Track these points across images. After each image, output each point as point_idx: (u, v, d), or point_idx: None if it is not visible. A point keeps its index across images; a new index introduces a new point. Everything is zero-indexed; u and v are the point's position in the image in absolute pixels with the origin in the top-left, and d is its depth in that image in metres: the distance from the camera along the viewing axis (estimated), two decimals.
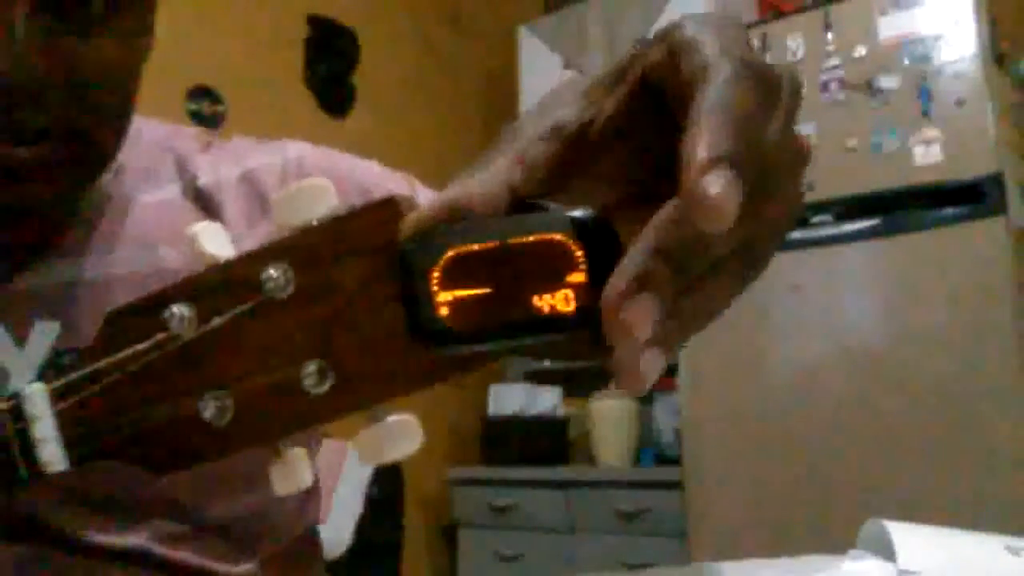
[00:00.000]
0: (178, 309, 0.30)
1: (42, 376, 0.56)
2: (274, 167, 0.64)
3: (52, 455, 0.32)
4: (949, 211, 1.99)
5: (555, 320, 0.26)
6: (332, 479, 2.00)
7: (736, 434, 2.19)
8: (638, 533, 2.44)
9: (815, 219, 2.15)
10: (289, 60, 2.81)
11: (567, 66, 3.01)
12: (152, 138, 0.65)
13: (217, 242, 0.30)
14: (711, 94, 0.25)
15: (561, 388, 2.89)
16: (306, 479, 0.30)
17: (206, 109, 2.53)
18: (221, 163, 0.64)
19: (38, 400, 0.32)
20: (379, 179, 0.68)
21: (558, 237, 0.26)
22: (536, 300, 0.26)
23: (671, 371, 2.37)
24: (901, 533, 0.41)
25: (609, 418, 2.68)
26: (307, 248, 0.28)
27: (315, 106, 2.86)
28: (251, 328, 0.29)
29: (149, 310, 0.30)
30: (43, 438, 0.32)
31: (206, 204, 0.62)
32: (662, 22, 2.88)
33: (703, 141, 0.24)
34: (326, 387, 0.28)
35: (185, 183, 0.63)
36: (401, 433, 0.29)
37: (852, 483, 1.98)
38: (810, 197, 2.16)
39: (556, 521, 2.60)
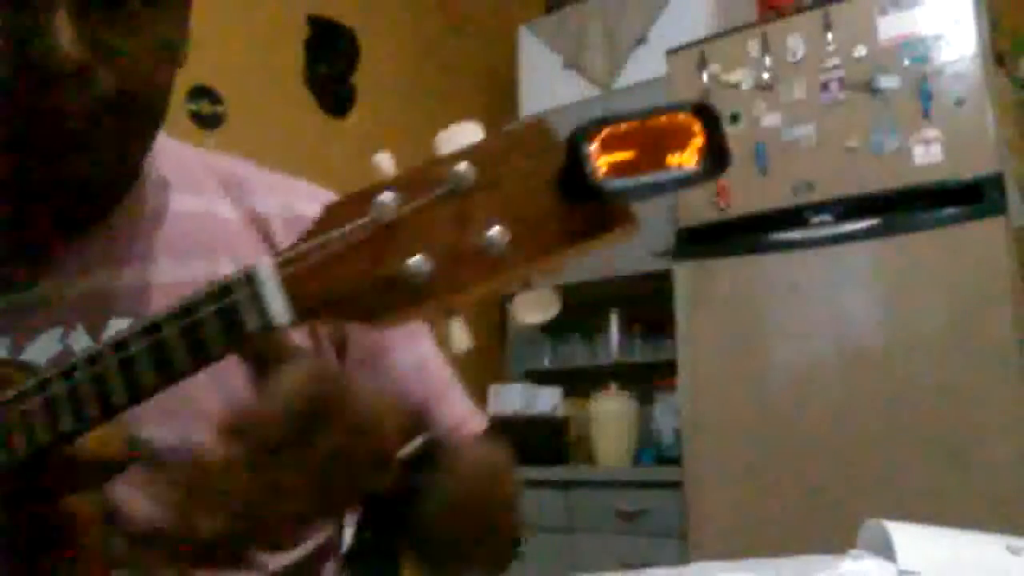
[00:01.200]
0: (384, 196, 0.39)
1: None
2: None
3: (278, 310, 0.40)
4: (949, 211, 1.99)
5: (683, 172, 0.36)
6: None
7: (736, 434, 2.19)
8: (638, 533, 2.44)
9: (815, 219, 2.15)
10: (289, 60, 2.81)
11: (567, 66, 3.00)
12: (191, 158, 0.70)
13: (390, 167, 0.40)
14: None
15: (561, 388, 2.89)
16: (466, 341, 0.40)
17: (206, 109, 2.53)
18: (270, 194, 0.69)
19: (266, 268, 0.40)
20: None
21: (683, 116, 0.37)
22: (669, 158, 0.37)
23: (671, 371, 2.37)
24: (901, 533, 0.41)
25: (609, 418, 2.68)
26: (485, 150, 0.39)
27: (315, 106, 2.85)
28: (443, 208, 0.38)
29: (359, 198, 0.39)
30: (271, 296, 0.40)
31: (261, 228, 0.67)
32: (662, 22, 2.89)
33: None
34: (505, 245, 0.37)
35: (243, 209, 0.68)
36: (548, 299, 0.39)
37: (852, 483, 1.98)
38: (810, 197, 2.16)
39: (556, 521, 2.60)
